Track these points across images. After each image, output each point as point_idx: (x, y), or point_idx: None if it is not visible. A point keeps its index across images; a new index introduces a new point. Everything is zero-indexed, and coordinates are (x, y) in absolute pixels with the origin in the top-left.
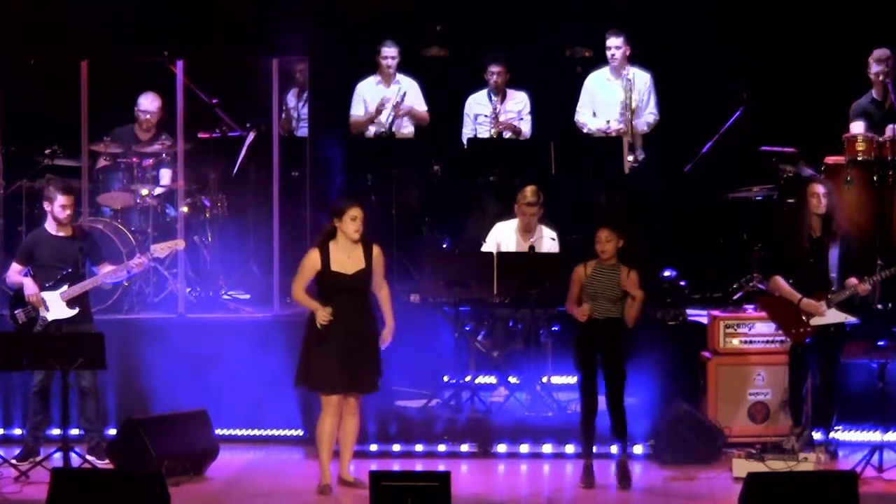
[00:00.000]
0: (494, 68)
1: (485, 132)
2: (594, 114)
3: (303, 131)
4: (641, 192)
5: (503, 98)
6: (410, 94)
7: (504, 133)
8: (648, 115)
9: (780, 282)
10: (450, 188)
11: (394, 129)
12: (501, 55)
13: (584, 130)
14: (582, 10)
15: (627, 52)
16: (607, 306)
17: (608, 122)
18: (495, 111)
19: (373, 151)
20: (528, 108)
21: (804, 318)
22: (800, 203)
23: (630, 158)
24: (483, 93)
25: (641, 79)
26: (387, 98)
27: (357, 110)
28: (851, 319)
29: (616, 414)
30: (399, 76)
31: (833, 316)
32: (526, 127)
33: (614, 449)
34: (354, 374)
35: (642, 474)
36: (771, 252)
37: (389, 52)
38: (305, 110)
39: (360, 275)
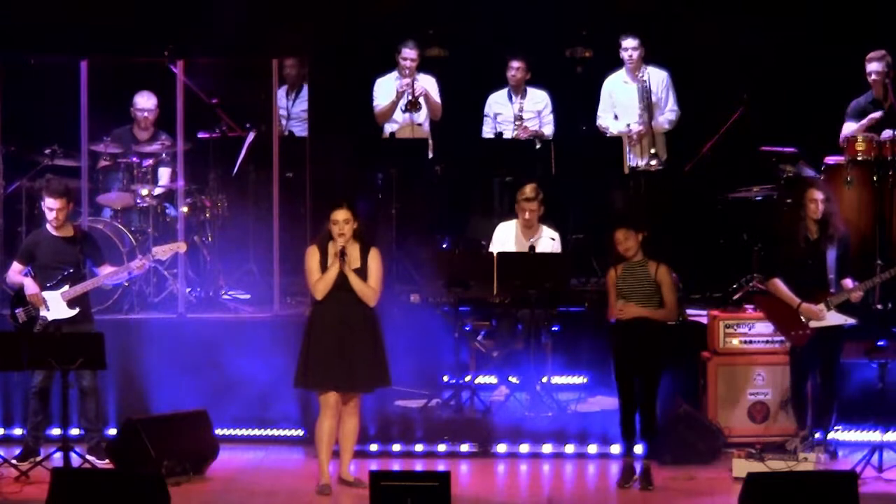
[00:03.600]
0: (514, 63)
1: (506, 132)
2: (616, 117)
3: (294, 130)
4: (641, 192)
5: (523, 97)
6: (428, 86)
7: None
8: (669, 113)
9: (780, 285)
10: (453, 188)
11: (412, 115)
12: (521, 51)
13: (608, 135)
14: (583, 11)
15: (643, 54)
16: (641, 304)
17: (628, 125)
18: (520, 112)
19: (374, 151)
20: (549, 108)
21: (803, 319)
22: (797, 205)
23: (654, 162)
24: (503, 92)
25: (657, 77)
26: (405, 82)
27: (381, 101)
28: (851, 321)
29: (646, 415)
30: (418, 75)
31: (833, 318)
32: (548, 129)
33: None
34: (350, 372)
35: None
36: (769, 254)
37: (410, 54)
38: (296, 109)
39: (356, 274)
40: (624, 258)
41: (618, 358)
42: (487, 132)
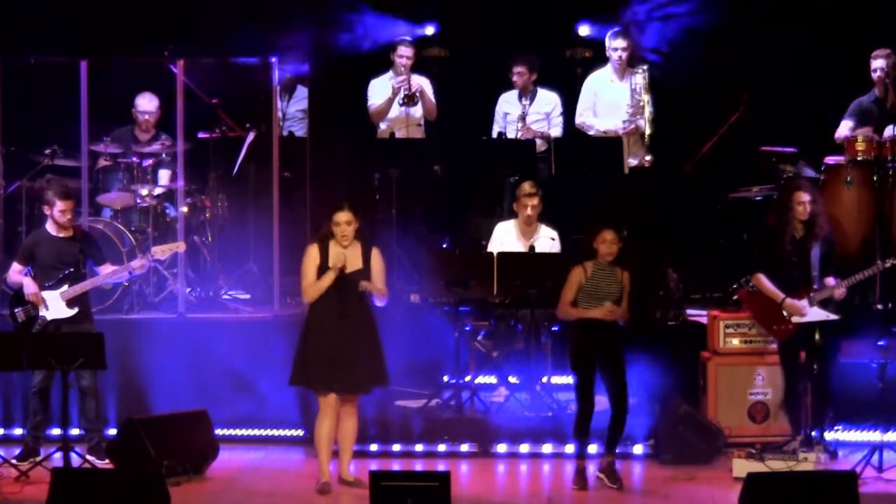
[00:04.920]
0: (516, 68)
1: (512, 132)
2: (595, 114)
3: (293, 130)
4: (641, 192)
5: (532, 99)
6: (423, 86)
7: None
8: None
9: (764, 280)
10: (453, 188)
11: (408, 109)
12: (525, 55)
13: (590, 133)
14: (583, 10)
15: (629, 55)
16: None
17: (623, 122)
18: (523, 113)
19: (373, 151)
20: (558, 110)
21: (785, 315)
22: (785, 207)
23: (648, 158)
24: (514, 92)
25: (640, 79)
26: (401, 78)
27: (375, 100)
28: (833, 317)
29: (622, 416)
30: (413, 75)
31: (815, 314)
32: (556, 130)
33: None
34: (351, 373)
35: (642, 474)
36: (756, 250)
37: (405, 52)
38: (291, 109)
39: (357, 275)
40: (593, 257)
41: (587, 358)
42: (497, 130)
